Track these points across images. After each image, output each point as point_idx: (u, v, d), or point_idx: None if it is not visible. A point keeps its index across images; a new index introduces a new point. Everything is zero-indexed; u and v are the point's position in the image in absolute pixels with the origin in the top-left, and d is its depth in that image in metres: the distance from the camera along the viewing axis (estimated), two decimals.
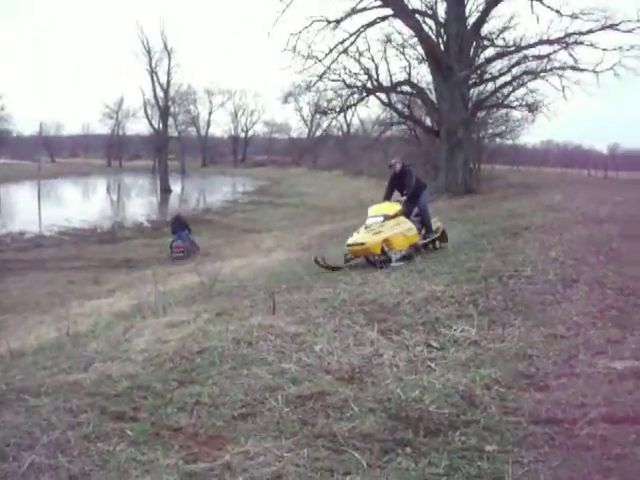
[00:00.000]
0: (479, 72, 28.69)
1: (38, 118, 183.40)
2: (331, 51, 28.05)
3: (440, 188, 26.68)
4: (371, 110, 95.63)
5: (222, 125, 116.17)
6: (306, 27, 27.32)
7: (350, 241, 10.71)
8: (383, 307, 6.97)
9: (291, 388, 4.77)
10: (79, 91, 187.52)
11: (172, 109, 67.46)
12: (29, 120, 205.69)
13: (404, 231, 10.82)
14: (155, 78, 58.43)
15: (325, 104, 33.15)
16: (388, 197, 11.73)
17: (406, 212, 11.29)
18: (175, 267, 16.98)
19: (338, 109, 31.63)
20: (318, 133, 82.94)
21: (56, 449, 3.92)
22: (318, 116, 47.34)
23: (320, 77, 28.94)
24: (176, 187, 61.61)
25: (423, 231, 11.44)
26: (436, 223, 11.98)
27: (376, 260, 10.34)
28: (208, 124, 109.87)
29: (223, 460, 3.68)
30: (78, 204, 46.12)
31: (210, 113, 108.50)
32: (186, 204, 47.54)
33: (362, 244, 10.43)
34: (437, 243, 11.88)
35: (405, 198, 11.34)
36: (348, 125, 68.73)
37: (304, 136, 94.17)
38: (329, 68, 28.61)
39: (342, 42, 27.83)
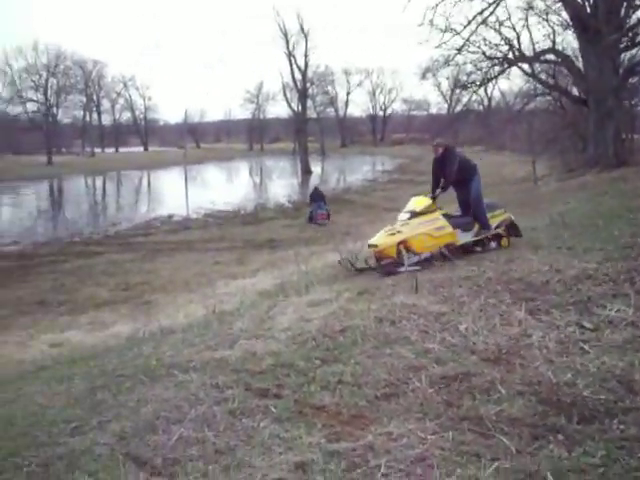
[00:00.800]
0: (631, 34, 26.78)
1: (183, 106, 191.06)
2: (469, 23, 27.10)
3: (589, 161, 25.34)
4: (513, 82, 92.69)
5: (360, 104, 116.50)
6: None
7: (369, 241, 9.63)
8: (531, 285, 6.64)
9: (435, 368, 4.64)
10: (221, 78, 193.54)
11: (310, 91, 68.23)
12: (175, 109, 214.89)
13: (431, 230, 9.38)
14: (293, 61, 59.20)
15: (465, 78, 32.26)
16: (435, 186, 9.95)
17: (459, 204, 10.11)
18: (316, 246, 17.13)
19: (478, 82, 30.64)
20: (458, 108, 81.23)
21: (203, 423, 4.02)
22: (458, 91, 46.17)
23: (459, 50, 28.12)
24: (316, 168, 62.37)
25: (476, 227, 9.83)
26: (498, 216, 10.10)
27: (386, 265, 9.21)
28: (346, 104, 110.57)
29: (366, 440, 3.62)
30: (222, 187, 47.74)
31: (348, 93, 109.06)
32: (326, 184, 47.94)
33: (376, 246, 9.31)
34: (505, 240, 10.00)
35: (439, 190, 9.80)
36: (489, 99, 66.98)
37: (443, 112, 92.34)
38: (468, 40, 27.66)
39: (481, 12, 26.76)
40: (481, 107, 64.02)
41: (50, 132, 78.84)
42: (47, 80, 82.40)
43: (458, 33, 27.30)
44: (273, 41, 62.05)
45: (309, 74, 63.24)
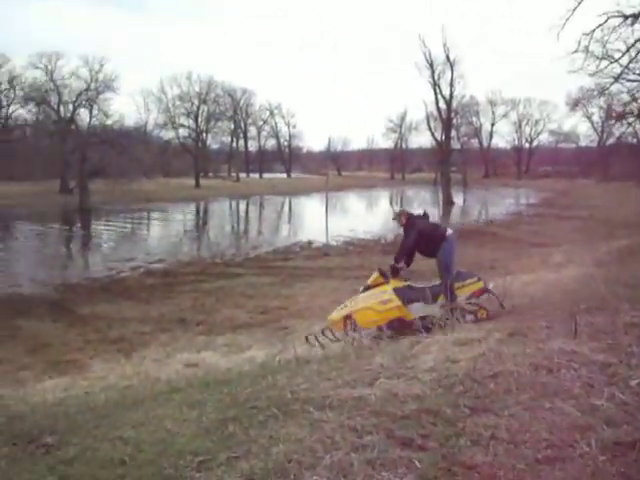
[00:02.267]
0: None
1: (326, 134, 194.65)
2: (629, 49, 25.66)
3: None
4: None
5: (505, 135, 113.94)
6: (600, 25, 25.28)
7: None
8: None
9: (605, 431, 3.98)
10: (365, 106, 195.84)
11: (454, 121, 67.30)
12: (318, 137, 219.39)
13: (375, 304, 8.84)
14: (438, 90, 58.62)
15: (620, 109, 30.59)
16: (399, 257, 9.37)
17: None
18: None
19: (636, 113, 28.94)
20: (610, 141, 77.72)
21: (339, 473, 3.60)
22: (611, 122, 43.92)
23: (616, 79, 26.63)
24: (458, 199, 61.26)
25: (441, 299, 9.01)
26: (469, 286, 9.18)
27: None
28: (490, 135, 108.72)
29: None
30: (362, 215, 47.72)
31: (493, 124, 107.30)
32: (468, 216, 46.91)
33: (331, 321, 9.15)
34: (482, 312, 8.95)
35: (400, 264, 9.26)
36: None
37: (593, 145, 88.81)
38: (627, 68, 26.20)
39: None
40: (635, 140, 60.72)
41: (199, 156, 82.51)
42: (198, 107, 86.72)
43: (616, 60, 25.82)
44: (418, 70, 61.43)
45: (453, 104, 62.38)
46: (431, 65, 57.73)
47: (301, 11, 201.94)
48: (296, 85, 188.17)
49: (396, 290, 9.01)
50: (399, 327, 8.73)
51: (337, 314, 9.16)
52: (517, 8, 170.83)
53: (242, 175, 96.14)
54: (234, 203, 62.03)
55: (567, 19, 25.56)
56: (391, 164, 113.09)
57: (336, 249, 26.57)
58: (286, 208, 60.08)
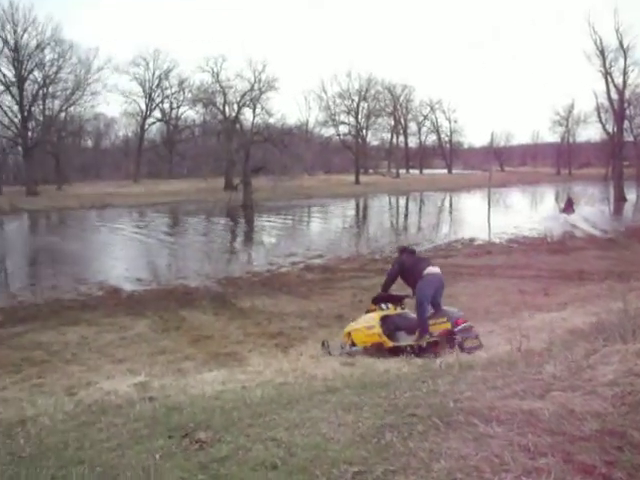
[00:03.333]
0: None
1: (488, 129, 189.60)
2: None
3: None
4: None
5: None
6: None
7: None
8: None
9: None
10: (529, 100, 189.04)
11: (627, 112, 63.08)
12: (480, 132, 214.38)
13: (363, 328, 9.89)
14: (609, 79, 55.16)
15: None
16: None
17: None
18: (637, 282, 15.18)
19: None
20: None
21: None
22: None
23: None
24: (631, 195, 57.28)
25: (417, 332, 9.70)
26: (439, 324, 9.68)
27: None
28: None
29: None
30: (526, 212, 45.84)
31: None
32: None
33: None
34: (440, 348, 9.37)
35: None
36: None
37: None
38: None
39: None
40: None
41: (359, 153, 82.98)
42: (358, 104, 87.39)
43: None
44: (587, 59, 58.13)
45: (626, 94, 58.45)
46: (602, 53, 54.47)
47: (460, 3, 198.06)
48: (457, 79, 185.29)
49: (383, 318, 9.91)
50: (381, 350, 9.59)
51: (345, 329, 10.32)
52: None
53: (402, 171, 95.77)
54: (393, 199, 61.80)
55: None
56: (557, 159, 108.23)
57: (499, 247, 25.58)
58: (446, 204, 59.04)
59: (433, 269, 10.11)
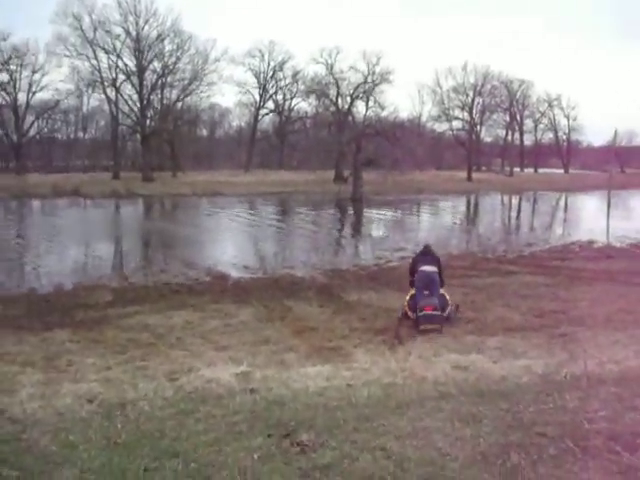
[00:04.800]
0: None
1: (610, 128, 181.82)
2: None
3: None
4: None
5: None
6: None
7: None
8: None
9: None
10: None
11: None
12: (600, 130, 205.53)
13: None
14: None
15: None
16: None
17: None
18: None
19: None
20: None
21: None
22: None
23: None
24: None
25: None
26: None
27: None
28: None
29: None
30: None
31: None
32: None
33: None
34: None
35: None
36: None
37: None
38: None
39: None
40: None
41: (472, 149, 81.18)
42: (473, 99, 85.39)
43: None
44: None
45: None
46: None
47: None
48: (579, 74, 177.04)
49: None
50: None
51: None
52: None
53: (516, 169, 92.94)
54: (506, 198, 59.93)
55: None
56: None
57: (621, 251, 24.06)
58: (562, 205, 56.75)
59: (425, 267, 12.78)
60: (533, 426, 4.17)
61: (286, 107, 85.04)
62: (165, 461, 4.21)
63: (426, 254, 13.27)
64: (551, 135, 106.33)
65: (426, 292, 12.23)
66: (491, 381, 6.71)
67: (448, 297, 12.63)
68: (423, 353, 9.45)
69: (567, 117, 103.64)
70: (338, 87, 66.96)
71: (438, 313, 11.73)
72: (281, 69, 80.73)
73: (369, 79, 65.57)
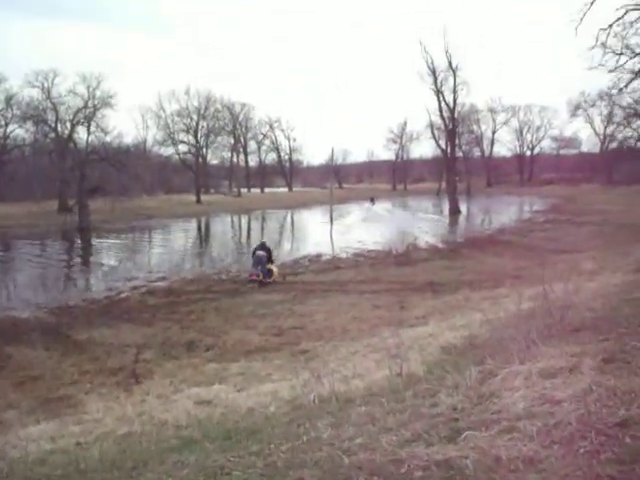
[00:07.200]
0: None
1: (325, 148, 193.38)
2: None
3: None
4: None
5: (506, 143, 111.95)
6: (619, 19, 24.14)
7: None
8: None
9: None
10: (364, 118, 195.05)
11: (458, 129, 66.01)
12: (317, 150, 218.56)
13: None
14: (441, 97, 57.37)
15: (623, 112, 29.43)
16: None
17: None
18: (485, 291, 15.13)
19: None
20: (613, 146, 76.85)
21: None
22: (613, 127, 42.72)
23: (637, 74, 25.32)
24: (462, 207, 59.87)
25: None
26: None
27: None
28: (492, 143, 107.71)
29: None
30: (367, 227, 46.30)
31: (494, 132, 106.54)
32: (476, 225, 45.72)
33: None
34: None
35: None
36: None
37: (596, 150, 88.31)
38: None
39: None
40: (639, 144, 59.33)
41: (199, 172, 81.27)
42: (197, 123, 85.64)
43: (637, 54, 24.54)
44: (420, 77, 60.39)
45: (456, 112, 61.10)
46: (433, 72, 56.53)
47: (299, 24, 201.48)
48: (295, 98, 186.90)
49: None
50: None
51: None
52: (516, 14, 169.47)
53: (243, 190, 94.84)
54: (236, 218, 60.71)
55: (585, 13, 24.55)
56: (392, 175, 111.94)
57: (346, 261, 25.25)
58: (289, 221, 58.79)
59: (258, 252, 21.30)
60: (288, 470, 3.68)
61: (1, 134, 78.29)
62: None
63: (262, 246, 21.96)
64: (274, 156, 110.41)
65: (259, 267, 20.63)
66: (238, 416, 6.18)
67: (275, 270, 21.32)
68: (162, 391, 8.71)
69: (288, 138, 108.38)
70: (57, 112, 63.18)
71: (259, 278, 20.30)
72: None
73: (90, 103, 62.71)
